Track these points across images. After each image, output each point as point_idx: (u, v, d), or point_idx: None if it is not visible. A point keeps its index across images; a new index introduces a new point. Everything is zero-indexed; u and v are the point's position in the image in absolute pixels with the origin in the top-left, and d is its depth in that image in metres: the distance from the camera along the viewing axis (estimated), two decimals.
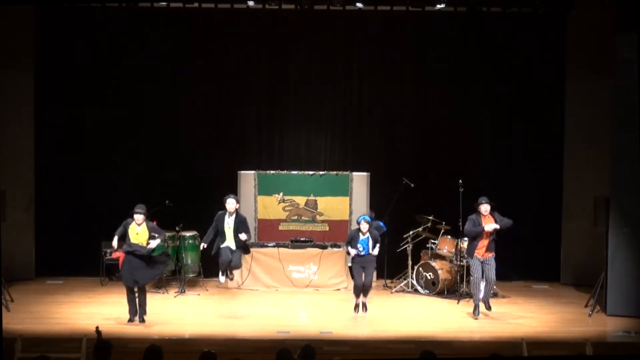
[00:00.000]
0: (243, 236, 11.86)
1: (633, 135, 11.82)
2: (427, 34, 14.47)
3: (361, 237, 11.98)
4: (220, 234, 12.04)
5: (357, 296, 12.05)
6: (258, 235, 14.20)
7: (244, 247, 12.14)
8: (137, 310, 11.29)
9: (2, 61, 13.48)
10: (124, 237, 11.26)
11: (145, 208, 11.36)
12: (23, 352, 9.43)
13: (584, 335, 10.81)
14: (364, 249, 11.96)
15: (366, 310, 12.07)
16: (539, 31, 14.31)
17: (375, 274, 12.79)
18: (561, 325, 11.68)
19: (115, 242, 11.27)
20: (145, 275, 11.35)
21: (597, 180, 13.20)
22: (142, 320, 11.26)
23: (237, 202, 12.22)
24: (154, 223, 11.56)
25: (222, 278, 12.07)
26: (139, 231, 11.24)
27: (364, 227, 11.97)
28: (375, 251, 12.06)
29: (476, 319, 11.86)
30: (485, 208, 11.94)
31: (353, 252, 11.98)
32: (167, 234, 13.30)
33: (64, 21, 14.14)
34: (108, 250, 13.52)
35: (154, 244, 11.28)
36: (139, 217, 11.23)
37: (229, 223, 11.98)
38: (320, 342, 10.22)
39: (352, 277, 12.36)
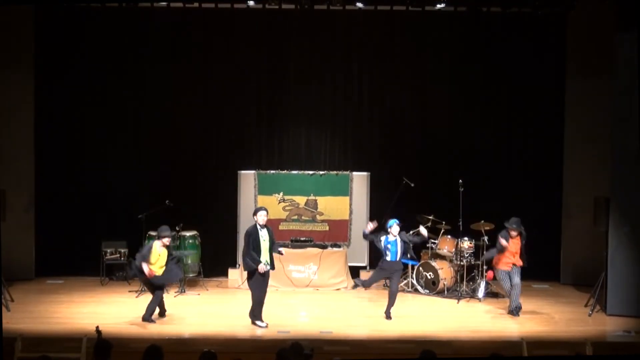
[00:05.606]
0: (283, 250, 11.65)
1: (633, 135, 11.81)
2: (427, 33, 14.48)
3: (390, 238, 11.71)
4: (255, 251, 11.29)
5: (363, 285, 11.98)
6: None
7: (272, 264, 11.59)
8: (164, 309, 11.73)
9: (2, 61, 13.49)
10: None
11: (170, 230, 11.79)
12: (23, 352, 9.44)
13: (584, 335, 10.82)
14: (392, 252, 11.69)
15: (390, 318, 11.71)
16: (539, 31, 14.31)
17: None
18: (561, 325, 11.69)
19: (144, 266, 11.26)
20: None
21: (597, 180, 13.20)
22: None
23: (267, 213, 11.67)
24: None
25: (263, 324, 11.33)
26: (160, 252, 11.52)
27: (395, 229, 11.68)
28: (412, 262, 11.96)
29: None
30: (513, 234, 12.10)
31: (371, 225, 11.73)
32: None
33: (64, 21, 14.14)
34: (108, 250, 13.73)
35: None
36: (167, 240, 11.54)
37: (263, 236, 11.34)
38: (320, 342, 10.25)
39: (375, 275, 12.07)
